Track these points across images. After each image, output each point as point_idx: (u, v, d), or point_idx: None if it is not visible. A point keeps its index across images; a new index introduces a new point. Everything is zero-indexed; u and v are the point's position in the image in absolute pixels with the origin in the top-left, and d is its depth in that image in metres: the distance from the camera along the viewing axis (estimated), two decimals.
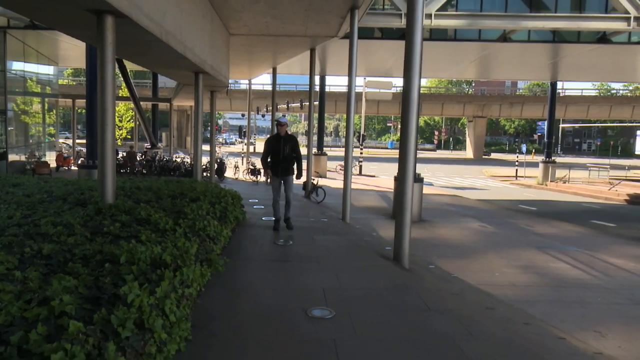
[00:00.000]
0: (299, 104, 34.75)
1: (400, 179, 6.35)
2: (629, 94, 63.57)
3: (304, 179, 12.11)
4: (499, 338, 3.96)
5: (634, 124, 53.21)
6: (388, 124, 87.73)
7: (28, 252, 3.95)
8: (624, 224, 15.51)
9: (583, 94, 54.29)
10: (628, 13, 15.16)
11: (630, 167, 36.79)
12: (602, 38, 16.90)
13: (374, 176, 31.84)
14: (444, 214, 15.70)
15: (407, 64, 6.30)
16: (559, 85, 62.76)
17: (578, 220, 15.67)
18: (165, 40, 7.91)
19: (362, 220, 12.68)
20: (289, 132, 8.28)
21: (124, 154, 22.22)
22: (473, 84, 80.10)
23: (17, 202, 6.48)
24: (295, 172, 8.14)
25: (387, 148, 74.34)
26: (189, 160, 23.39)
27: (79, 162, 21.46)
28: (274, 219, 8.21)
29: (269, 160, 8.09)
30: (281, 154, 7.89)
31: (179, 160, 24.08)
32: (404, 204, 6.17)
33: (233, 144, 73.39)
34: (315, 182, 17.19)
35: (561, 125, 64.16)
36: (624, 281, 8.02)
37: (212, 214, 6.18)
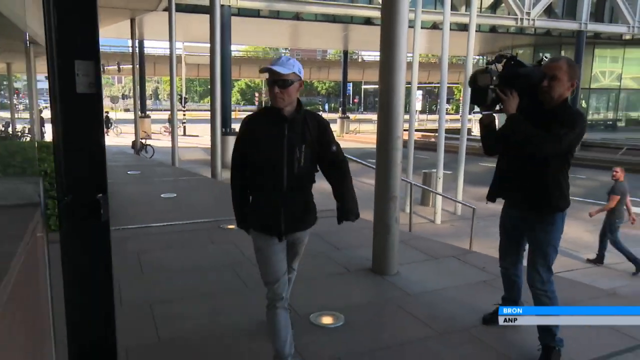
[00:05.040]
0: (116, 67, 34.93)
1: (212, 129, 9.90)
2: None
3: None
4: None
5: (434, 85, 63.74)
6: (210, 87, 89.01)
7: None
8: None
9: (376, 60, 63.27)
10: (380, 4, 20.60)
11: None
12: (368, 21, 22.31)
13: (198, 136, 34.45)
14: None
15: (212, 37, 9.71)
16: (363, 52, 71.79)
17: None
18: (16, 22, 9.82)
19: (188, 166, 15.86)
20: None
21: None
22: (289, 49, 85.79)
23: None
24: (341, 208, 2.62)
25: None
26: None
27: None
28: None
29: (244, 185, 2.61)
30: (286, 168, 2.44)
31: None
32: (215, 141, 9.75)
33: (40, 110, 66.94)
34: (144, 141, 19.60)
35: (363, 87, 73.66)
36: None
37: None
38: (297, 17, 21.49)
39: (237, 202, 2.63)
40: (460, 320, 3.30)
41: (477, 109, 2.84)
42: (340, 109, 36.68)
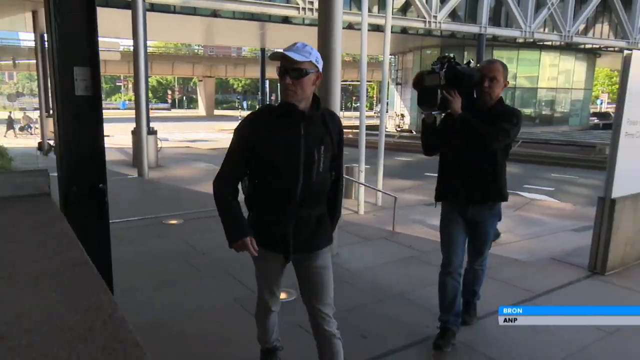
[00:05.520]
0: (11, 62, 32.42)
1: (137, 128, 9.79)
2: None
3: None
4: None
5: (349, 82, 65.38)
6: (118, 84, 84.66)
7: None
8: None
9: None
10: (298, 4, 21.28)
11: None
12: (286, 20, 22.73)
13: (109, 136, 32.86)
14: (178, 161, 19.21)
15: (135, 33, 9.64)
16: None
17: None
18: None
19: (107, 167, 15.35)
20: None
21: None
22: (202, 46, 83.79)
23: None
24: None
25: (119, 109, 72.35)
26: None
27: None
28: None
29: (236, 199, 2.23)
30: (303, 174, 2.09)
31: None
32: (141, 140, 9.67)
33: None
34: (51, 142, 18.60)
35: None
36: None
37: None
38: (215, 14, 21.41)
39: (232, 212, 2.13)
40: (396, 288, 3.85)
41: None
42: (258, 106, 36.84)
